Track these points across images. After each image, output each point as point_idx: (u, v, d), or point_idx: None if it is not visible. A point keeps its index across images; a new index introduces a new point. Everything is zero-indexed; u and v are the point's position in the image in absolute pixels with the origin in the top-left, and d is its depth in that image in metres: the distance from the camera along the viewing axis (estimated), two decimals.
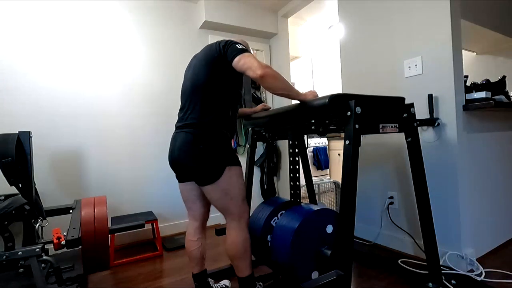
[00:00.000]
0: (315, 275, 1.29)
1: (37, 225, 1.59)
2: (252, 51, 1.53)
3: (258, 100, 2.99)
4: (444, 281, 1.42)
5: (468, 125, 1.67)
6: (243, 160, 1.76)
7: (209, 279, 1.45)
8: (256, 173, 2.97)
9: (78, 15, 2.21)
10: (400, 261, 1.72)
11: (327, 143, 4.14)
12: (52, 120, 2.10)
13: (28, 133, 1.55)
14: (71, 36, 2.18)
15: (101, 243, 1.40)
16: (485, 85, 1.82)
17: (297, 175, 1.59)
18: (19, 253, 1.29)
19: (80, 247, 1.36)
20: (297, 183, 1.58)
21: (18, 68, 2.00)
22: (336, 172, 4.10)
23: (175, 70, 2.59)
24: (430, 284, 1.39)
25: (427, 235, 1.38)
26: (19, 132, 1.53)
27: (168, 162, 1.35)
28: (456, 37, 1.62)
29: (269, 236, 1.45)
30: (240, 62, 1.14)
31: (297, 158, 1.60)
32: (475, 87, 1.82)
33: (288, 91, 1.18)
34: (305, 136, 3.47)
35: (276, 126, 1.65)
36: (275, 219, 1.48)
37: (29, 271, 1.46)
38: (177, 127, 1.30)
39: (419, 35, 1.74)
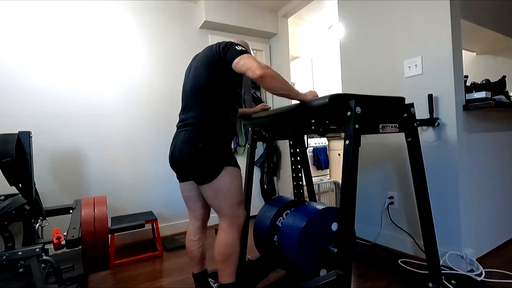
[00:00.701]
0: (323, 272, 1.29)
1: (37, 225, 1.59)
2: (252, 52, 1.53)
3: (258, 100, 2.99)
4: (444, 281, 1.41)
5: (468, 125, 1.67)
6: (243, 160, 1.76)
7: (210, 279, 1.45)
8: (256, 173, 2.97)
9: (78, 15, 2.21)
10: (400, 261, 1.72)
11: (327, 143, 4.14)
12: (52, 120, 2.10)
13: (28, 133, 1.55)
14: (71, 36, 2.18)
15: (101, 243, 1.40)
16: (485, 85, 1.82)
17: (300, 174, 1.59)
18: (19, 253, 1.29)
19: (80, 247, 1.36)
20: (300, 182, 1.58)
21: (18, 68, 2.00)
22: (336, 172, 4.10)
23: (175, 70, 2.59)
24: (430, 284, 1.39)
25: (427, 235, 1.38)
26: (19, 132, 1.52)
27: (168, 162, 1.34)
28: (456, 37, 1.62)
29: (275, 236, 1.45)
30: (239, 63, 1.14)
31: (298, 158, 1.60)
32: (475, 87, 1.82)
33: (287, 91, 1.19)
34: (305, 136, 3.47)
35: (276, 126, 1.65)
36: (280, 219, 1.48)
37: (29, 271, 1.46)
38: (178, 127, 1.30)
39: (419, 35, 1.74)
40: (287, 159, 3.05)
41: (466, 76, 1.76)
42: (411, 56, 1.79)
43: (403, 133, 1.36)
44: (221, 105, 1.26)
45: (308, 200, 1.97)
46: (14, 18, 1.99)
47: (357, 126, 1.09)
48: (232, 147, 1.46)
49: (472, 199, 1.69)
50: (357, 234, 2.17)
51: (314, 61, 4.56)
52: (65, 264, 1.74)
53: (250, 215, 1.70)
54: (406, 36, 1.81)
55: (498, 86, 1.82)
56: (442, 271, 1.47)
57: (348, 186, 1.08)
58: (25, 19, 2.03)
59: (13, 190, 1.55)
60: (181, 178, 1.33)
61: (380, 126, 1.24)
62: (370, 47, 2.05)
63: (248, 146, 1.75)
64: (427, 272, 1.44)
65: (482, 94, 1.60)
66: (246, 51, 1.18)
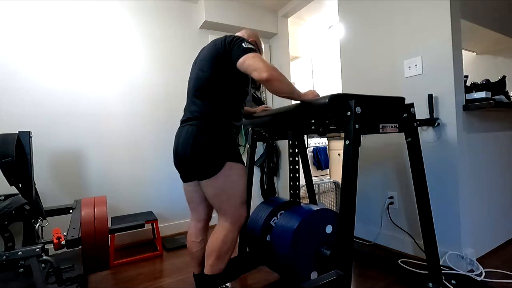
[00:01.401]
0: (314, 275, 1.28)
1: (37, 225, 1.59)
2: (262, 43, 1.50)
3: (258, 100, 2.99)
4: (444, 281, 1.42)
5: (468, 125, 1.67)
6: (243, 160, 1.76)
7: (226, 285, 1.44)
8: (256, 173, 2.97)
9: (78, 15, 2.21)
10: (400, 261, 1.72)
11: (327, 143, 4.14)
12: (52, 120, 2.10)
13: (28, 133, 1.55)
14: (71, 36, 2.18)
15: (101, 243, 1.40)
16: (485, 85, 1.82)
17: (297, 175, 1.59)
18: (19, 253, 1.29)
19: (80, 247, 1.36)
20: (297, 183, 1.58)
21: (18, 68, 2.00)
22: (336, 172, 4.10)
23: (175, 70, 2.59)
24: (430, 284, 1.39)
25: (427, 235, 1.38)
26: (19, 132, 1.53)
27: (169, 161, 1.34)
28: (456, 37, 1.62)
29: (268, 236, 1.45)
30: (244, 63, 1.11)
31: (297, 158, 1.60)
32: (475, 87, 1.82)
33: (291, 93, 1.18)
34: (305, 136, 3.47)
35: (276, 126, 1.65)
36: (274, 219, 1.47)
37: (29, 271, 1.46)
38: (181, 121, 1.28)
39: (419, 35, 1.74)
40: (287, 159, 3.05)
41: (466, 76, 1.76)
42: (411, 56, 1.79)
43: (403, 133, 1.36)
44: (227, 99, 1.23)
45: (308, 200, 1.97)
46: (14, 18, 1.99)
47: (357, 126, 1.09)
48: (237, 142, 1.44)
49: (472, 199, 1.69)
50: (357, 234, 2.17)
51: (314, 61, 4.56)
52: (65, 264, 1.74)
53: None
54: (406, 36, 1.81)
55: (498, 86, 1.82)
56: (442, 271, 1.47)
57: (348, 186, 1.08)
58: (25, 19, 2.03)
59: (13, 190, 1.55)
60: (185, 177, 1.31)
61: (380, 126, 1.24)
62: (370, 47, 2.05)
63: (248, 146, 1.75)
64: (427, 272, 1.44)
65: (482, 94, 1.60)
66: (253, 49, 1.14)
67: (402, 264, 1.68)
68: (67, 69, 2.16)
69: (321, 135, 1.32)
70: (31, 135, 1.56)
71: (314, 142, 3.97)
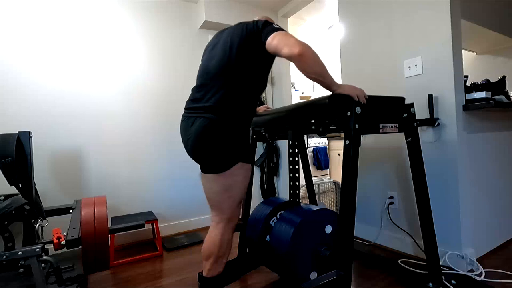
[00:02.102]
0: (313, 275, 1.28)
1: (37, 225, 1.59)
2: None
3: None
4: (444, 281, 1.42)
5: (468, 125, 1.67)
6: None
7: None
8: (256, 173, 2.97)
9: (78, 15, 2.21)
10: (400, 261, 1.72)
11: (327, 143, 4.14)
12: (52, 120, 2.10)
13: (28, 133, 1.55)
14: (71, 36, 2.18)
15: (101, 243, 1.40)
16: (485, 85, 1.82)
17: (297, 175, 1.58)
18: (19, 253, 1.29)
19: (80, 247, 1.36)
20: (297, 183, 1.58)
21: (18, 68, 2.00)
22: (336, 172, 4.10)
23: (175, 70, 2.59)
24: (430, 284, 1.39)
25: (427, 235, 1.38)
26: (19, 132, 1.53)
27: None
28: (456, 37, 1.62)
29: (267, 236, 1.45)
30: (274, 39, 1.02)
31: (297, 158, 1.60)
32: (475, 87, 1.82)
33: (323, 77, 1.07)
34: (305, 136, 3.47)
35: (276, 126, 1.65)
36: (274, 219, 1.47)
37: (29, 271, 1.46)
38: (193, 109, 1.15)
39: (419, 35, 1.74)
40: (287, 159, 3.05)
41: (466, 76, 1.76)
42: (411, 56, 1.79)
43: (403, 133, 1.36)
44: (246, 92, 1.14)
45: (308, 200, 1.97)
46: (14, 18, 1.99)
47: (357, 126, 1.09)
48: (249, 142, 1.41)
49: (472, 199, 1.69)
50: (357, 234, 2.17)
51: None
52: (65, 264, 1.74)
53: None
54: (406, 36, 1.81)
55: (498, 86, 1.82)
56: (442, 271, 1.47)
57: (348, 186, 1.08)
58: (25, 19, 2.03)
59: (13, 190, 1.55)
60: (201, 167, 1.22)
61: (380, 126, 1.24)
62: (370, 47, 2.05)
63: None
64: (427, 272, 1.45)
65: (482, 94, 1.60)
66: (283, 29, 1.07)
67: (402, 264, 1.68)
68: (67, 69, 2.16)
69: (321, 135, 1.32)
70: (31, 135, 1.56)
71: (314, 142, 3.97)
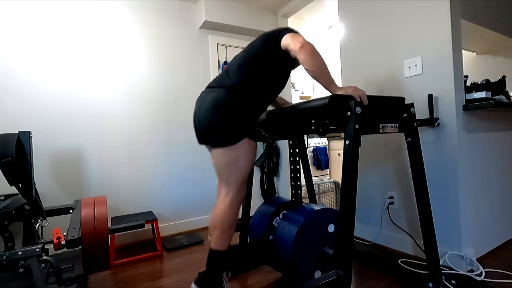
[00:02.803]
0: (317, 274, 1.29)
1: (37, 225, 1.59)
2: None
3: None
4: (444, 281, 1.42)
5: (468, 125, 1.67)
6: None
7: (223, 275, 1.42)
8: (256, 173, 2.97)
9: (78, 15, 2.21)
10: (400, 261, 1.72)
11: (327, 143, 4.14)
12: (52, 120, 2.10)
13: (28, 133, 1.55)
14: (71, 36, 2.18)
15: (101, 243, 1.40)
16: (485, 85, 1.82)
17: (298, 175, 1.59)
18: (19, 253, 1.29)
19: (80, 247, 1.36)
20: (298, 183, 1.58)
21: (18, 68, 2.00)
22: (336, 172, 4.10)
23: (175, 70, 2.59)
24: (430, 284, 1.39)
25: (427, 235, 1.38)
26: (19, 132, 1.53)
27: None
28: (456, 37, 1.62)
29: (271, 236, 1.45)
30: (287, 38, 1.18)
31: (297, 158, 1.60)
32: (475, 87, 1.82)
33: (321, 71, 1.17)
34: (305, 136, 3.47)
35: (276, 126, 1.65)
36: (277, 219, 1.48)
37: (29, 271, 1.46)
38: (211, 87, 1.30)
39: (419, 35, 1.74)
40: (287, 159, 3.05)
41: (466, 76, 1.76)
42: (411, 56, 1.79)
43: (403, 133, 1.36)
44: (261, 83, 1.27)
45: (307, 200, 1.97)
46: (14, 18, 1.99)
47: (357, 126, 1.09)
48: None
49: (472, 199, 1.69)
50: (357, 234, 2.17)
51: None
52: (65, 264, 1.74)
53: (250, 215, 1.70)
54: (406, 36, 1.81)
55: (498, 86, 1.82)
56: (442, 271, 1.47)
57: (348, 186, 1.08)
58: (26, 19, 2.03)
59: (13, 190, 1.55)
60: (201, 140, 1.32)
61: (380, 126, 1.24)
62: (370, 47, 2.05)
63: None
64: (427, 272, 1.45)
65: (482, 94, 1.60)
66: (297, 31, 1.23)
67: (402, 264, 1.68)
68: (67, 69, 2.16)
69: (321, 135, 1.32)
70: (31, 135, 1.56)
71: (314, 142, 3.97)
